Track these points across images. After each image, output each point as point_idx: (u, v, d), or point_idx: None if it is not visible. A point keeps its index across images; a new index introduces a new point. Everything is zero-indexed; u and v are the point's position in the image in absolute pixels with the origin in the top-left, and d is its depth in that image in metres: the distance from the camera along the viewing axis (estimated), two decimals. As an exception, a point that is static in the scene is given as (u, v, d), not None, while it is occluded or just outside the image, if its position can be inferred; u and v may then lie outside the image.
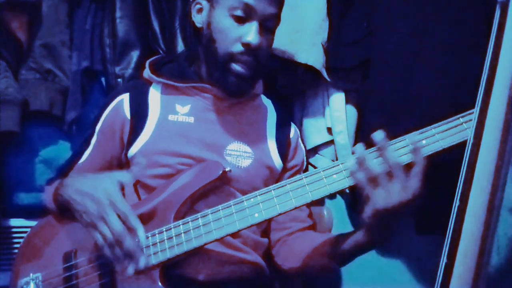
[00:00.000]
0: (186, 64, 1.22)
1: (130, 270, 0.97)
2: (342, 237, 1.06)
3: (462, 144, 0.89)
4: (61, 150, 1.61)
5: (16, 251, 1.16)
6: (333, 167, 0.99)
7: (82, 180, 1.06)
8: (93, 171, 1.19)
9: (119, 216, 0.97)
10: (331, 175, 0.98)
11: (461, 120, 0.97)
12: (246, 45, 1.10)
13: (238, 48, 1.11)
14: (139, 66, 1.58)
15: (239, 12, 1.10)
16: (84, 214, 1.01)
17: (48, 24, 1.60)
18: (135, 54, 1.63)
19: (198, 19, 1.18)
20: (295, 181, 1.01)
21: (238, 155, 1.16)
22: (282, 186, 1.01)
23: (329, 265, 1.09)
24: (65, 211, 1.08)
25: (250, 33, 1.10)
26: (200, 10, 1.19)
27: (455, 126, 0.97)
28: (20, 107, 1.52)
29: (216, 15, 1.13)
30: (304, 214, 1.23)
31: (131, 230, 0.97)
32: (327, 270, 1.11)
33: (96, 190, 0.99)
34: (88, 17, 1.66)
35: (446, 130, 0.96)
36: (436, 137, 0.97)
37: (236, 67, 1.12)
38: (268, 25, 1.13)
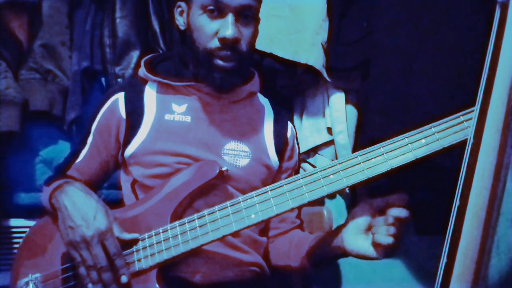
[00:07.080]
0: (182, 63, 1.22)
1: None
2: (317, 240, 1.12)
3: (462, 145, 0.88)
4: (61, 150, 1.61)
5: (16, 251, 1.16)
6: (330, 167, 0.98)
7: (82, 196, 1.07)
8: (91, 171, 1.20)
9: (105, 249, 1.01)
10: (328, 175, 0.98)
11: (462, 118, 0.95)
12: (222, 40, 1.09)
13: (215, 43, 1.10)
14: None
15: (211, 8, 1.09)
16: (70, 230, 1.03)
17: (48, 24, 1.60)
18: (135, 54, 1.63)
19: (181, 22, 1.18)
20: (292, 182, 1.00)
21: (236, 155, 1.16)
22: (279, 187, 1.00)
23: (302, 265, 1.15)
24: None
25: (225, 27, 1.08)
26: (181, 13, 1.18)
27: (456, 125, 0.95)
28: (20, 107, 1.52)
29: (192, 15, 1.13)
30: (293, 215, 1.24)
31: (114, 267, 1.01)
32: (301, 269, 1.17)
33: (94, 217, 1.02)
34: (88, 17, 1.66)
35: (446, 128, 0.95)
36: (436, 136, 0.95)
37: (218, 62, 1.11)
38: (245, 15, 1.11)
